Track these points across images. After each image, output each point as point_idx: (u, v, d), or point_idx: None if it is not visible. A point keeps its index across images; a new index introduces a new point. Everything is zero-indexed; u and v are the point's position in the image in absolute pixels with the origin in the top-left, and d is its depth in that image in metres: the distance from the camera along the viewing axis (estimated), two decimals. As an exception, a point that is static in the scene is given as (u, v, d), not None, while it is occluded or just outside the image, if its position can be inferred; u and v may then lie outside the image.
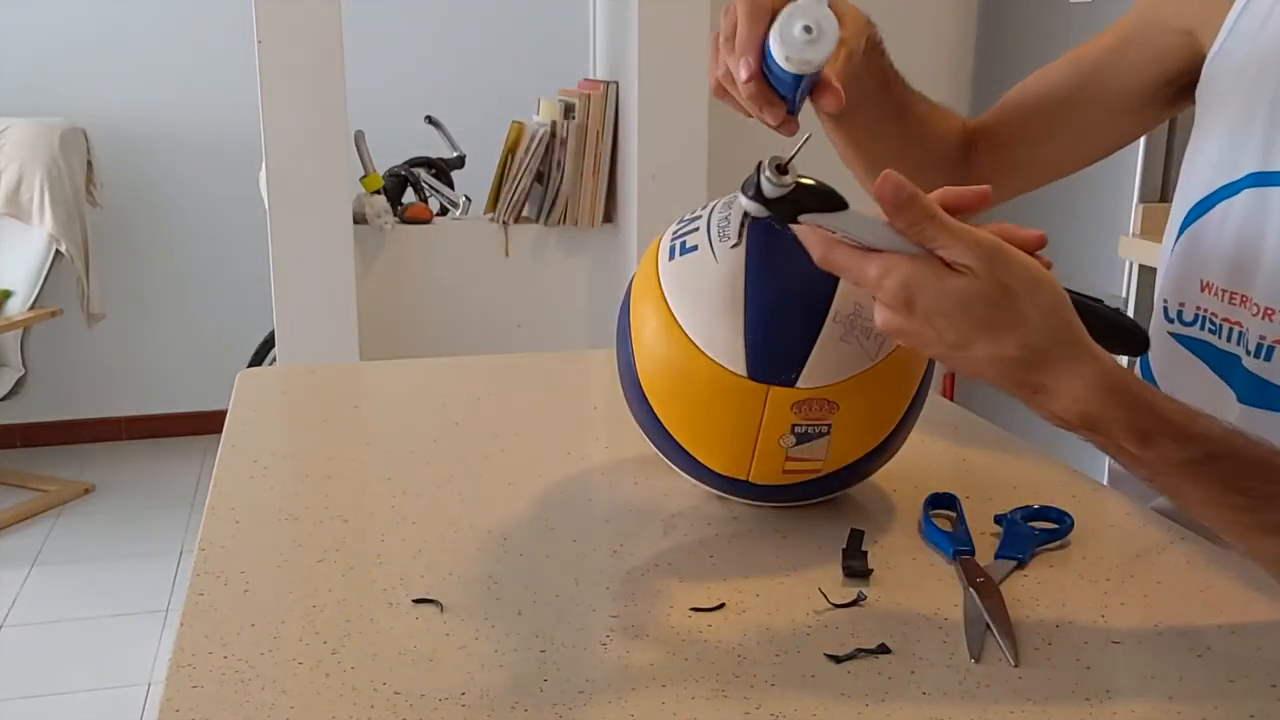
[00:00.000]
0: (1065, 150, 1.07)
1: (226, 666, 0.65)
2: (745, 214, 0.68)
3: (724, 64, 0.79)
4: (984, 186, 0.71)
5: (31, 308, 3.25)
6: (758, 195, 0.66)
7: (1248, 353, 0.88)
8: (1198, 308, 0.93)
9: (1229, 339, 0.90)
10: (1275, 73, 0.87)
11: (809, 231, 0.68)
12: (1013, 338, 0.66)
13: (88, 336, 3.64)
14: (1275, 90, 0.87)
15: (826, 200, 0.65)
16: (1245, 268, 0.88)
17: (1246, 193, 0.89)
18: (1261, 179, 0.87)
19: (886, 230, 0.65)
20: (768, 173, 0.65)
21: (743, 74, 0.76)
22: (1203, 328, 0.92)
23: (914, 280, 0.65)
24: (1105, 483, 0.99)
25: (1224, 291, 0.90)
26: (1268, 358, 0.86)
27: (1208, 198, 0.92)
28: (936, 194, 0.67)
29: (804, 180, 0.65)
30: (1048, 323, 0.66)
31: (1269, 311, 0.87)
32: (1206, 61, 0.94)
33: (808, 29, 0.71)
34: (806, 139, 0.71)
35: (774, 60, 0.74)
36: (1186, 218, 0.95)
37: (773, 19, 0.74)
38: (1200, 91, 0.95)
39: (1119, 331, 0.71)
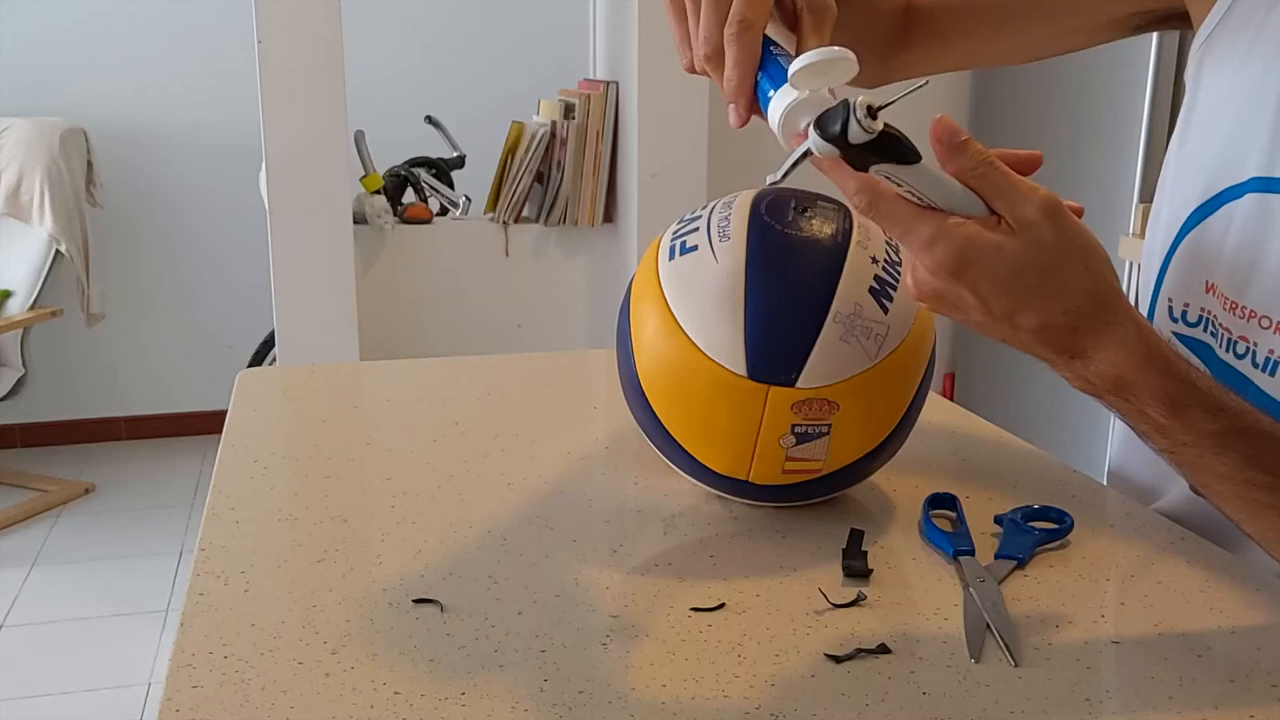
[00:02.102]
0: (1008, 52, 1.05)
1: (226, 666, 0.65)
2: (806, 152, 0.63)
3: (710, 38, 0.72)
4: (1037, 151, 0.69)
5: (31, 308, 3.25)
6: (839, 137, 0.61)
7: (1255, 366, 0.88)
8: (1202, 309, 0.92)
9: (1228, 348, 0.90)
10: (1274, 90, 0.84)
11: (848, 176, 0.64)
12: (1061, 304, 0.65)
13: (88, 336, 3.64)
14: (1276, 105, 0.84)
15: (904, 152, 0.62)
16: (1244, 276, 0.87)
17: (1250, 197, 0.87)
18: (1266, 184, 0.86)
19: (952, 186, 0.63)
20: (859, 114, 0.60)
21: (733, 120, 0.72)
22: (1205, 329, 0.91)
23: (971, 245, 0.63)
24: (1105, 483, 0.99)
25: (1225, 297, 0.90)
26: (1272, 372, 0.85)
27: (1213, 198, 0.91)
28: (993, 152, 0.65)
29: (890, 126, 0.61)
30: (1095, 287, 0.65)
31: (1266, 321, 0.86)
32: (1198, 44, 0.91)
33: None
34: (921, 85, 0.64)
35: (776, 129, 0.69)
36: (1191, 217, 0.93)
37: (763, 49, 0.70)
38: (1191, 75, 0.93)
39: None
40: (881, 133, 0.61)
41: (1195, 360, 0.75)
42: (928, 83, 0.66)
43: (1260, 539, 0.73)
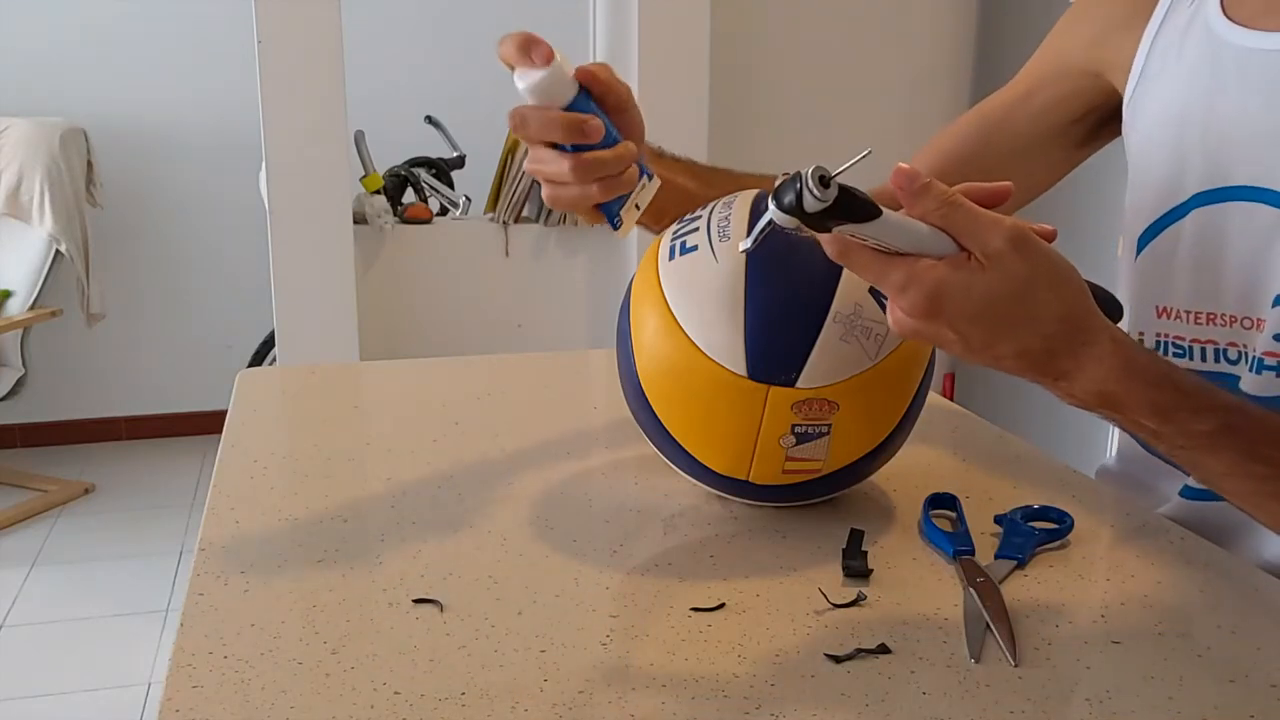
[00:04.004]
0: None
1: (226, 666, 0.65)
2: (770, 223, 0.65)
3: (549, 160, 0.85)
4: (1005, 184, 0.70)
5: (31, 308, 3.25)
6: (795, 208, 0.62)
7: (1229, 362, 0.88)
8: (1158, 334, 0.93)
9: (1204, 358, 0.90)
10: (1199, 110, 0.88)
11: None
12: (1035, 330, 0.66)
13: (88, 336, 3.64)
14: (1202, 122, 0.88)
15: (862, 210, 0.63)
16: (1209, 284, 0.89)
17: (1195, 213, 0.89)
18: (1208, 197, 0.88)
19: (918, 233, 0.64)
20: (811, 185, 0.61)
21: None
22: (1166, 353, 0.92)
23: (941, 289, 0.64)
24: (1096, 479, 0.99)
25: (1188, 313, 0.90)
26: (1256, 370, 0.86)
27: (1152, 225, 0.93)
28: (959, 187, 0.66)
29: (845, 190, 0.62)
30: (1067, 311, 0.67)
31: (1246, 321, 0.86)
32: (1126, 105, 0.95)
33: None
34: (866, 154, 0.67)
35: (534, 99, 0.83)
36: (1137, 245, 0.95)
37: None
38: (1126, 135, 0.97)
39: (1097, 302, 0.71)
40: (837, 198, 0.62)
41: (1178, 363, 0.76)
42: (871, 151, 0.68)
43: (1275, 528, 0.75)
